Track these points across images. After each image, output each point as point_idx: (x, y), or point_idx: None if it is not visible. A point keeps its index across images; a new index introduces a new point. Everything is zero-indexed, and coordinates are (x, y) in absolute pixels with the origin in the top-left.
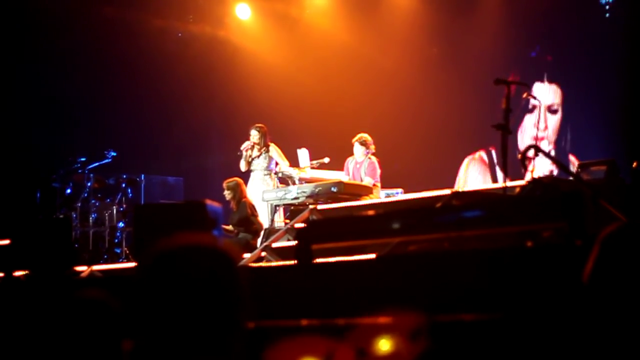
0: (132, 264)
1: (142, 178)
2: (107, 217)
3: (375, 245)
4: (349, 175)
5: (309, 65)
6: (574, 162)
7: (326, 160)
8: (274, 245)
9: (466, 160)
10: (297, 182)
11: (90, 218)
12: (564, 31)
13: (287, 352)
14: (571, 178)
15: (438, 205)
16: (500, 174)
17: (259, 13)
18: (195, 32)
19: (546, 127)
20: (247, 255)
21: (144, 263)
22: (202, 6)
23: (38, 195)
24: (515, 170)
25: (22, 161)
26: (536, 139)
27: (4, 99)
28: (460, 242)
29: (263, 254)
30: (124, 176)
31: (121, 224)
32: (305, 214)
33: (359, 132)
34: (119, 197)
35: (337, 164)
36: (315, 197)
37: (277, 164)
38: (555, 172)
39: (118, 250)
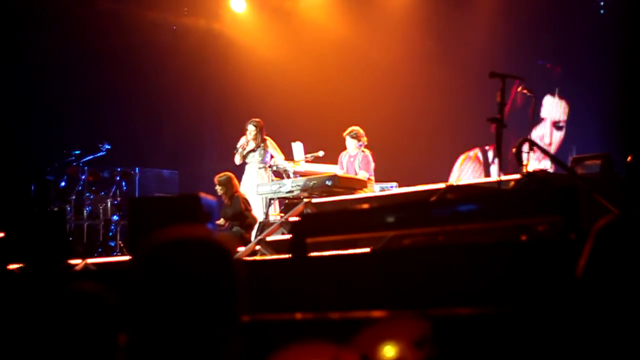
0: (126, 257)
1: (137, 171)
2: (101, 210)
3: (370, 238)
4: (343, 169)
5: (304, 59)
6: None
7: (321, 153)
8: (269, 238)
9: (461, 157)
10: (291, 175)
11: (85, 211)
12: (559, 27)
13: (293, 358)
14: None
15: (433, 199)
16: (494, 174)
17: (254, 6)
18: (190, 25)
19: (551, 142)
20: (241, 249)
21: (139, 255)
22: None
23: (32, 188)
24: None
25: (16, 154)
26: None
27: None
28: (454, 235)
29: (257, 247)
30: (119, 169)
31: (115, 217)
32: (299, 208)
33: (360, 125)
34: (113, 190)
35: (332, 158)
36: (309, 190)
37: (272, 157)
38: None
39: (112, 244)
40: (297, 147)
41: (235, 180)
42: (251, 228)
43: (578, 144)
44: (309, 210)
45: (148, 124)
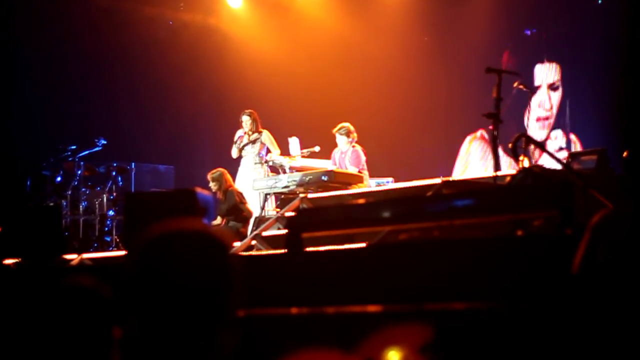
0: (122, 252)
1: (133, 166)
2: (97, 205)
3: (366, 233)
4: (335, 165)
5: (300, 54)
6: (575, 142)
7: (317, 149)
8: (264, 233)
9: (468, 139)
10: (287, 170)
11: (81, 206)
12: (556, 14)
13: None
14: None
15: (429, 194)
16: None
17: (250, 1)
18: (186, 20)
19: (551, 107)
20: (237, 244)
21: (136, 248)
22: None
23: (28, 183)
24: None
25: (12, 149)
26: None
27: None
28: (450, 230)
29: (253, 242)
30: (115, 164)
31: (111, 212)
32: (295, 203)
33: (356, 121)
34: (109, 185)
35: (328, 153)
36: (305, 185)
37: (268, 151)
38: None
39: (108, 239)
40: (294, 142)
41: (228, 175)
42: (247, 221)
43: (580, 125)
44: (305, 206)
45: (144, 119)
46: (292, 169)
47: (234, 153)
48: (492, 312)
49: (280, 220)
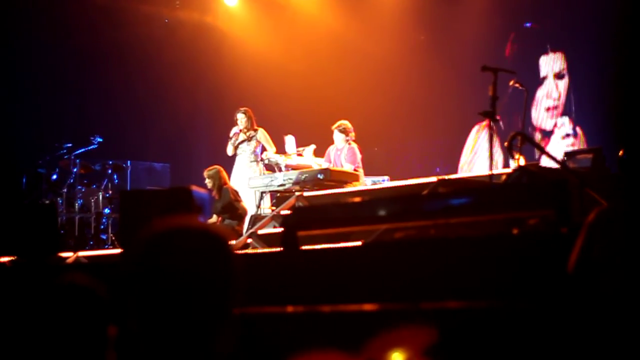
0: (117, 250)
1: (128, 164)
2: (93, 203)
3: (362, 232)
4: (330, 162)
5: (296, 52)
6: (580, 135)
7: (312, 147)
8: (260, 232)
9: (476, 128)
10: (283, 168)
11: (76, 204)
12: (552, 7)
13: None
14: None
15: (425, 192)
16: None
17: None
18: (182, 18)
19: (560, 95)
20: (233, 242)
21: (137, 244)
22: None
23: (24, 180)
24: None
25: (7, 147)
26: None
27: None
28: (446, 229)
29: (249, 240)
30: (110, 162)
31: (107, 210)
32: (291, 201)
33: (352, 119)
34: (105, 183)
35: (323, 151)
36: (301, 184)
37: (263, 149)
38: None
39: (104, 237)
40: (289, 141)
41: (224, 173)
42: (242, 219)
43: (584, 115)
44: (300, 204)
45: (140, 117)
46: (287, 167)
47: (229, 150)
48: (487, 310)
49: (276, 218)
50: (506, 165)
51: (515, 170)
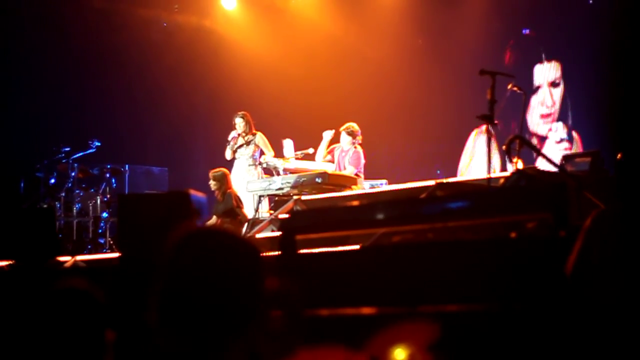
0: (115, 254)
1: (127, 168)
2: (91, 207)
3: (360, 235)
4: (333, 161)
5: (295, 56)
6: (577, 140)
7: (310, 150)
8: (258, 235)
9: (474, 133)
10: (281, 172)
11: (74, 208)
12: (549, 15)
13: None
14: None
15: (422, 196)
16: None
17: (244, 3)
18: (181, 22)
19: (554, 103)
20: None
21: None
22: None
23: (22, 184)
24: (523, 154)
25: (5, 150)
26: (521, 128)
27: None
28: (444, 233)
29: None
30: (108, 166)
31: (105, 214)
32: (289, 205)
33: (345, 123)
34: (103, 187)
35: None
36: (299, 187)
37: (262, 153)
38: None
39: (102, 241)
40: (287, 144)
41: (230, 177)
42: (242, 225)
43: (580, 122)
44: (298, 208)
45: (138, 121)
46: (286, 170)
47: (228, 155)
48: (486, 314)
49: (274, 222)
50: (504, 168)
51: (513, 174)
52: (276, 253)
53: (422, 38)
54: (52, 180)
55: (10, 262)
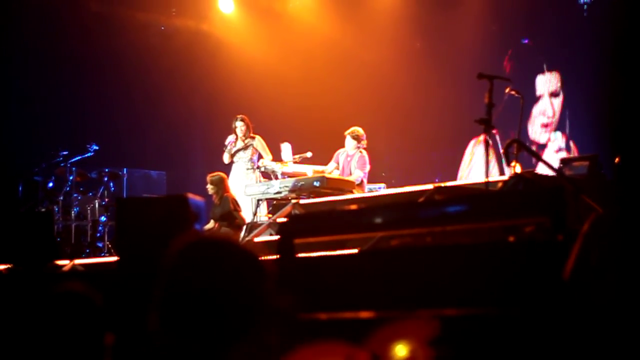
0: (113, 258)
1: (125, 172)
2: (89, 211)
3: (358, 239)
4: (338, 166)
5: (292, 60)
6: (574, 150)
7: (309, 154)
8: (257, 239)
9: (472, 143)
10: (279, 176)
11: (73, 212)
12: (547, 22)
13: (306, 358)
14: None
15: (421, 200)
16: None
17: (242, 7)
18: (178, 25)
19: (554, 113)
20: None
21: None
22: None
23: (20, 188)
24: (521, 159)
25: (4, 154)
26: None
27: None
28: (442, 236)
29: None
30: (107, 170)
31: (103, 218)
32: (287, 209)
33: (343, 126)
34: (101, 190)
35: (320, 159)
36: (297, 191)
37: (260, 156)
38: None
39: (100, 244)
40: (286, 148)
41: (227, 181)
42: (240, 229)
43: (577, 132)
44: (297, 211)
45: (136, 125)
46: (284, 174)
47: (226, 159)
48: (484, 318)
49: (272, 226)
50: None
51: (511, 178)
52: (274, 257)
53: (420, 41)
54: (50, 184)
55: (8, 266)
